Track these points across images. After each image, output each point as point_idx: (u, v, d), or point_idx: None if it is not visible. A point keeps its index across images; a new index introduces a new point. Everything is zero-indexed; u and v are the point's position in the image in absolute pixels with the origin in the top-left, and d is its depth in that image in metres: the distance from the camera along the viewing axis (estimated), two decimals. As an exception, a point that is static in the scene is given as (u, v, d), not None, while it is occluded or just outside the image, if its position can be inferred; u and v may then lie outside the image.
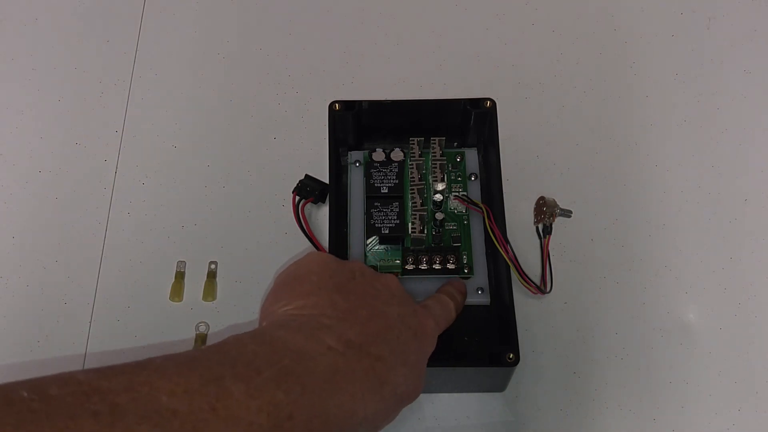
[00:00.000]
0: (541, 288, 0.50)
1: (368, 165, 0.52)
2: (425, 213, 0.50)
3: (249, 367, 0.33)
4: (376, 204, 0.50)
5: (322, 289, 0.39)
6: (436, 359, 0.41)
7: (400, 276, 0.49)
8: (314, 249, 0.51)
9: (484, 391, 0.48)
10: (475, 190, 0.52)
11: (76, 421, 0.28)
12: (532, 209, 0.54)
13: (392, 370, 0.37)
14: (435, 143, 0.51)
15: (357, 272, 0.41)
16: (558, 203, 0.53)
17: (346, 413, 0.35)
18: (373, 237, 0.50)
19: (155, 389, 0.30)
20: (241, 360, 0.33)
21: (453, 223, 0.50)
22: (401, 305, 0.40)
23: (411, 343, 0.39)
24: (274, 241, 0.53)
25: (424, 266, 0.49)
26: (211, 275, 0.52)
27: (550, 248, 0.52)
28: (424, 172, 0.51)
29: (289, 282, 0.41)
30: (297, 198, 0.52)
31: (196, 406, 0.30)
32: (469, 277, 0.49)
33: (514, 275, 0.48)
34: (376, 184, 0.51)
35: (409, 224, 0.49)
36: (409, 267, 0.49)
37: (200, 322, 0.51)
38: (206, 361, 0.33)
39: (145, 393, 0.30)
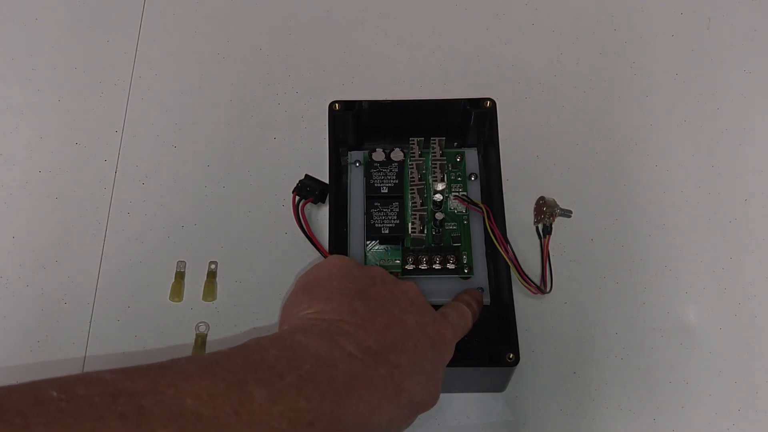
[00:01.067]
0: (541, 288, 0.50)
1: (368, 165, 0.52)
2: (425, 213, 0.50)
3: (271, 371, 0.33)
4: (376, 204, 0.50)
5: (342, 294, 0.39)
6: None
7: (400, 276, 0.49)
8: (314, 249, 0.51)
9: (484, 391, 0.49)
10: (475, 190, 0.52)
11: (103, 422, 0.28)
12: (532, 209, 0.54)
13: (409, 378, 0.37)
14: (435, 143, 0.51)
15: (377, 278, 0.41)
16: (558, 203, 0.53)
17: (362, 420, 0.35)
18: (374, 240, 0.50)
19: (180, 392, 0.30)
20: (263, 364, 0.33)
21: (453, 223, 0.50)
22: (420, 313, 0.40)
23: (428, 351, 0.39)
24: (274, 241, 0.53)
25: (424, 266, 0.49)
26: (211, 275, 0.52)
27: (550, 248, 0.52)
28: (424, 172, 0.51)
29: (309, 285, 0.41)
30: (297, 198, 0.52)
31: (220, 410, 0.30)
32: (469, 277, 0.49)
33: (514, 275, 0.48)
34: (376, 184, 0.51)
35: (409, 224, 0.49)
36: (409, 267, 0.49)
37: (200, 322, 0.51)
38: (229, 364, 0.33)
39: (170, 395, 0.30)
